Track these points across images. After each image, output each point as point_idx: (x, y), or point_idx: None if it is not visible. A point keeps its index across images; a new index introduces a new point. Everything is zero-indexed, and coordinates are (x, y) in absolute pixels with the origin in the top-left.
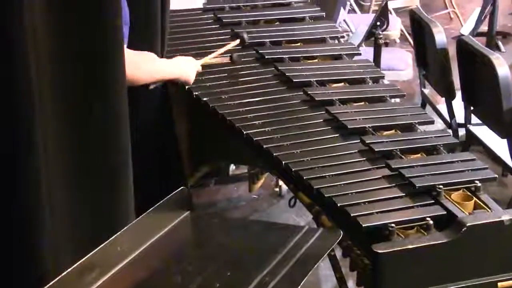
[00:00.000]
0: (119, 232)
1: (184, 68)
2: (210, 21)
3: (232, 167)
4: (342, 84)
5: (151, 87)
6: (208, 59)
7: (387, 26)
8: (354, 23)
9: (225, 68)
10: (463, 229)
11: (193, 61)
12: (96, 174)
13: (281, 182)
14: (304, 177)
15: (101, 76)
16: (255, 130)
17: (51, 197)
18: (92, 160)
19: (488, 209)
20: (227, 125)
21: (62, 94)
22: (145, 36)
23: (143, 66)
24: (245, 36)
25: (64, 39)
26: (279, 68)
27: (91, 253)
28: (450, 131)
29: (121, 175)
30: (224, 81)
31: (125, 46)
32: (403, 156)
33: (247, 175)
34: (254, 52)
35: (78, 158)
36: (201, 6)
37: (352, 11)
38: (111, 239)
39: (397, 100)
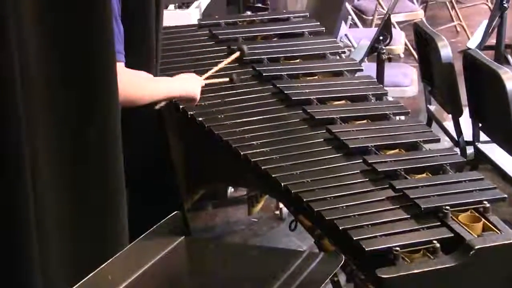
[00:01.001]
0: (110, 260)
1: (190, 85)
2: (206, 37)
3: (230, 189)
4: (343, 101)
5: (157, 107)
6: (211, 73)
7: (390, 40)
8: (356, 38)
9: (221, 86)
10: (471, 252)
11: (196, 77)
12: (88, 200)
13: (281, 205)
14: (305, 199)
15: (93, 101)
16: (253, 151)
17: (42, 224)
18: (83, 183)
19: (498, 231)
20: (223, 146)
21: (52, 120)
22: (140, 52)
23: (148, 85)
24: (245, 48)
25: (54, 64)
26: (278, 85)
27: (79, 283)
28: (457, 149)
29: (114, 201)
30: (220, 100)
31: (122, 64)
32: (407, 176)
33: (246, 197)
34: (252, 69)
35: (69, 182)
36: (196, 22)
37: (353, 25)
38: (101, 267)
39: (402, 117)
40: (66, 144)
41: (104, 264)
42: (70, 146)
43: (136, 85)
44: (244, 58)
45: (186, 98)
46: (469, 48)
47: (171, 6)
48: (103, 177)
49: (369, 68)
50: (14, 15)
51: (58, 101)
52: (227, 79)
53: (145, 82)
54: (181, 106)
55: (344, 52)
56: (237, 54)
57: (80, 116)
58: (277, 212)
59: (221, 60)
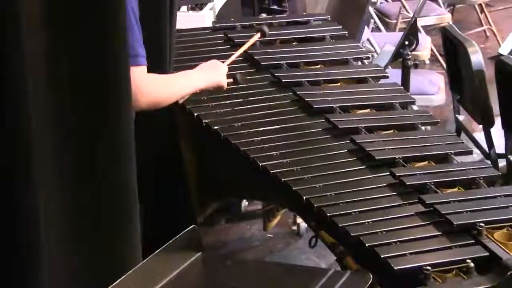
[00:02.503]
0: (123, 277)
1: (214, 73)
2: (221, 41)
3: (245, 203)
4: (368, 110)
5: (181, 101)
6: (234, 58)
7: (416, 45)
8: (379, 43)
9: (238, 93)
10: (508, 273)
11: (218, 63)
12: (98, 213)
13: (299, 220)
14: (328, 214)
15: (104, 106)
16: (272, 162)
17: (48, 237)
18: (94, 197)
19: None
20: (240, 156)
21: (59, 124)
22: (152, 56)
23: (173, 83)
24: (266, 29)
25: (63, 64)
26: (298, 92)
27: None
28: (489, 162)
29: (127, 214)
30: (237, 108)
31: (145, 68)
32: (438, 190)
33: (261, 212)
34: (270, 75)
35: (79, 195)
36: (210, 25)
37: (376, 29)
38: (115, 283)
39: (429, 128)
40: (73, 155)
41: (119, 280)
42: (78, 158)
43: (161, 86)
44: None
45: (212, 88)
46: (501, 54)
47: (184, 8)
48: (114, 190)
49: (393, 75)
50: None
51: (65, 108)
52: (229, 80)
53: (170, 81)
54: (195, 114)
55: (367, 58)
56: (258, 35)
57: (90, 124)
58: (295, 227)
59: (238, 65)
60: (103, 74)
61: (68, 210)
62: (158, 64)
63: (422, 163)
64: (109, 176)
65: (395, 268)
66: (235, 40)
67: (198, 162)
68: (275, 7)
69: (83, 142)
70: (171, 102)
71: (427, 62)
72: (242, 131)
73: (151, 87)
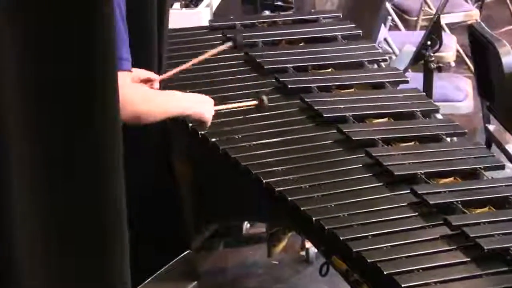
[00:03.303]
0: None
1: (203, 106)
2: (219, 42)
3: (247, 225)
4: (385, 119)
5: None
6: (194, 62)
7: (439, 46)
8: (397, 43)
9: (239, 100)
10: None
11: (209, 99)
12: (83, 235)
13: (308, 244)
14: (341, 238)
15: (88, 112)
16: (277, 179)
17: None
18: (78, 217)
19: None
20: (241, 172)
21: (38, 133)
22: (139, 59)
23: (157, 99)
24: (238, 38)
25: (44, 64)
26: (306, 100)
27: None
28: None
29: (114, 236)
30: (237, 117)
31: (128, 74)
32: (466, 211)
33: (265, 235)
34: (274, 80)
35: (60, 214)
36: (207, 24)
37: (394, 27)
38: None
39: (455, 139)
40: (47, 160)
41: None
42: (52, 162)
43: (143, 99)
44: (238, 48)
45: (197, 118)
46: None
47: (177, 5)
48: (97, 207)
49: (414, 79)
50: None
51: (41, 113)
52: (254, 102)
53: (153, 96)
54: (190, 125)
55: (384, 60)
56: (228, 44)
57: (67, 132)
58: (303, 253)
59: (239, 68)
60: (86, 74)
61: (46, 232)
62: (147, 68)
63: (447, 180)
64: (94, 189)
65: None
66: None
67: (193, 179)
68: (280, 3)
69: (59, 146)
70: (151, 120)
71: (453, 64)
72: (243, 144)
73: (130, 98)
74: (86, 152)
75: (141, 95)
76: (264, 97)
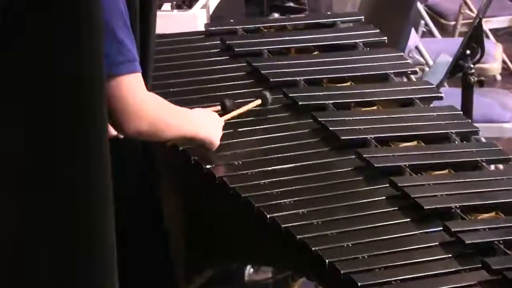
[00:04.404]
0: None
1: (214, 129)
2: (216, 50)
3: (249, 269)
4: (414, 143)
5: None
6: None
7: (481, 55)
8: (432, 52)
9: (239, 121)
10: None
11: (215, 116)
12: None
13: None
14: (359, 284)
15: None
16: (284, 213)
17: None
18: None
19: None
20: (241, 205)
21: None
22: None
23: (174, 111)
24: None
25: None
26: (319, 119)
27: None
28: None
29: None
30: (238, 140)
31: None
32: (508, 252)
33: (272, 281)
34: (282, 96)
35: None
36: (203, 29)
37: (428, 33)
38: None
39: (500, 166)
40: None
41: None
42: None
43: (163, 107)
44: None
45: (207, 143)
46: None
47: (167, 6)
48: (84, 239)
49: (451, 96)
50: None
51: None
52: (257, 102)
53: (173, 106)
54: (180, 148)
55: (415, 72)
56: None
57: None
58: None
59: (240, 82)
60: (70, 77)
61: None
62: None
63: (487, 215)
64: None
65: None
66: (236, 49)
67: (186, 213)
68: (291, 4)
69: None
70: (164, 137)
71: (498, 78)
72: (244, 172)
73: (147, 104)
74: (67, 164)
75: (160, 103)
76: (267, 94)
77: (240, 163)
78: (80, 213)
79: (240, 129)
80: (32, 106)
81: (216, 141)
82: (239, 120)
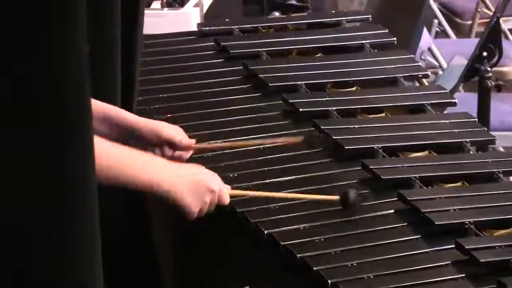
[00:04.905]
0: None
1: (197, 194)
2: (210, 52)
3: None
4: (425, 153)
5: None
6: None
7: (499, 58)
8: (446, 54)
9: (233, 128)
10: None
11: (216, 180)
12: None
13: None
14: None
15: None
16: (282, 229)
17: None
18: None
19: None
20: (236, 221)
21: None
22: (101, 76)
23: (114, 161)
24: (315, 139)
25: None
26: (322, 127)
27: None
28: None
29: None
30: (231, 151)
31: None
32: None
33: None
34: (282, 102)
35: None
36: (196, 29)
37: (442, 34)
38: None
39: None
40: None
41: None
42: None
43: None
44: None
45: (176, 209)
46: None
47: (156, 3)
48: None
49: (466, 102)
50: None
51: None
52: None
53: (107, 154)
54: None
55: (427, 76)
56: (298, 139)
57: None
58: None
59: (235, 87)
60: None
61: None
62: (108, 91)
63: (504, 231)
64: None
65: None
66: (232, 51)
67: (175, 243)
68: (293, 2)
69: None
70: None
71: None
72: (239, 185)
73: None
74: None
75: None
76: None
77: (235, 175)
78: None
79: (233, 137)
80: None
81: (191, 209)
82: (234, 128)
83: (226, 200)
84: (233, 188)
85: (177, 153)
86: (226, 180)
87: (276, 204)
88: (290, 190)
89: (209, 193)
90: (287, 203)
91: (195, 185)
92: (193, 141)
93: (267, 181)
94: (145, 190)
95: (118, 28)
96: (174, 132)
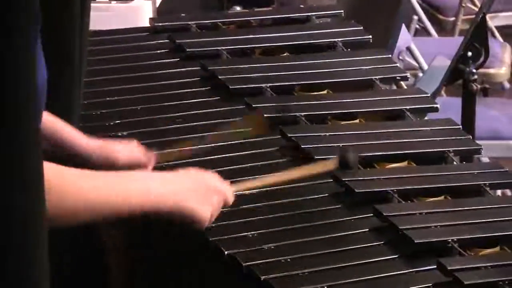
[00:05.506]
0: None
1: (194, 199)
2: (164, 50)
3: None
4: (403, 163)
5: None
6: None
7: (486, 58)
8: (427, 54)
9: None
10: None
11: (216, 184)
12: None
13: None
14: None
15: None
16: (245, 249)
17: None
18: None
19: None
20: (209, 252)
21: None
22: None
23: (88, 194)
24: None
25: None
26: (289, 135)
27: None
28: None
29: None
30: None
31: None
32: None
33: None
34: (244, 106)
35: None
36: (148, 24)
37: (422, 31)
38: None
39: (507, 192)
40: None
41: None
42: None
43: (58, 179)
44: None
45: (186, 219)
46: None
47: None
48: None
49: (450, 107)
50: None
51: None
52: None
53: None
54: None
55: (406, 78)
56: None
57: None
58: None
59: (192, 90)
60: None
61: None
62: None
63: (490, 250)
64: None
65: None
66: (188, 50)
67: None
68: None
69: None
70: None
71: (506, 86)
72: None
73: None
74: None
75: (54, 172)
76: (351, 155)
77: None
78: None
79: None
80: None
81: (203, 216)
82: (191, 136)
83: (231, 199)
84: (231, 183)
85: None
86: None
87: (238, 220)
88: (250, 206)
89: (215, 194)
90: (251, 218)
91: (199, 189)
92: (153, 156)
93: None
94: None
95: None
96: (130, 153)
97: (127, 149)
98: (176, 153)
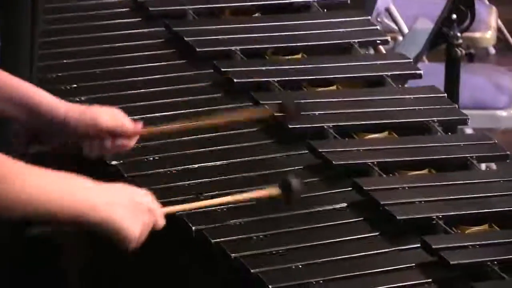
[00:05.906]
0: None
1: (122, 216)
2: (126, 9)
3: None
4: (384, 134)
5: (34, 230)
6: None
7: (471, 21)
8: (407, 16)
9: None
10: None
11: (146, 203)
12: None
13: None
14: None
15: None
16: (213, 225)
17: None
18: None
19: None
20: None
21: None
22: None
23: (24, 183)
24: (292, 105)
25: None
26: (261, 102)
27: None
28: None
29: None
30: (163, 141)
31: None
32: (504, 275)
33: None
34: (213, 71)
35: None
36: None
37: None
38: None
39: (493, 165)
40: None
41: None
42: None
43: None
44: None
45: (113, 235)
46: None
47: None
48: None
49: (433, 73)
50: None
51: None
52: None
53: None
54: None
55: (385, 42)
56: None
57: None
58: None
59: (155, 52)
60: None
61: None
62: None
63: (477, 228)
64: None
65: None
66: (152, 9)
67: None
68: None
69: None
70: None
71: (491, 51)
72: (171, 184)
73: None
74: None
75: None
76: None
77: (169, 172)
78: None
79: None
80: None
81: (132, 233)
82: (154, 102)
83: (162, 221)
84: (164, 205)
85: (119, 141)
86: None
87: (207, 193)
88: (227, 177)
89: (147, 213)
90: (222, 191)
91: (133, 205)
92: (139, 125)
93: (196, 165)
94: (74, 220)
95: None
96: (114, 118)
97: (110, 113)
98: (162, 129)
